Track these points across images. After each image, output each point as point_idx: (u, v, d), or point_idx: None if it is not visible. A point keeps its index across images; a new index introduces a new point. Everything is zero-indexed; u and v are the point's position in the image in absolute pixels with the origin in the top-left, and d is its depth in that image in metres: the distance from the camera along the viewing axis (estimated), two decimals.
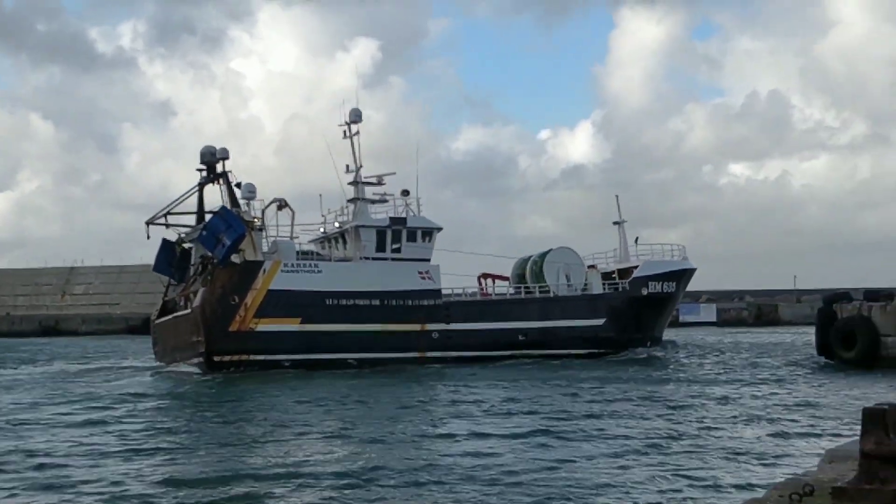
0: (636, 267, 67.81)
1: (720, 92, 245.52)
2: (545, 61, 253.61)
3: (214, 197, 62.16)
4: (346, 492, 19.40)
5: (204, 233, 56.49)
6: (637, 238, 72.24)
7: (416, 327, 59.11)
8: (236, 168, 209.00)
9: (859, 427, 8.08)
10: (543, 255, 66.63)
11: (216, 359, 54.40)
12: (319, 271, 57.91)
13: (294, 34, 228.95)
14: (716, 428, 28.06)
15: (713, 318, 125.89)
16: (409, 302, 59.38)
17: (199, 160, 61.31)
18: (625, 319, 64.46)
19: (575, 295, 65.03)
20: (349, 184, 63.13)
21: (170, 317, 59.25)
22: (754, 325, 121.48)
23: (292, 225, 60.19)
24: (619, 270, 68.40)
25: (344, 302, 57.78)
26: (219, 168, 60.58)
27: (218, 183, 60.46)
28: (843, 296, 56.94)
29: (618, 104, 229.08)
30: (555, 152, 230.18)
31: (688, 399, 36.74)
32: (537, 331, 62.12)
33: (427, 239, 62.19)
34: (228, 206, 58.14)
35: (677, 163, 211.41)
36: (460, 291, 63.99)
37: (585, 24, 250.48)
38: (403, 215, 62.13)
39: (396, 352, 57.58)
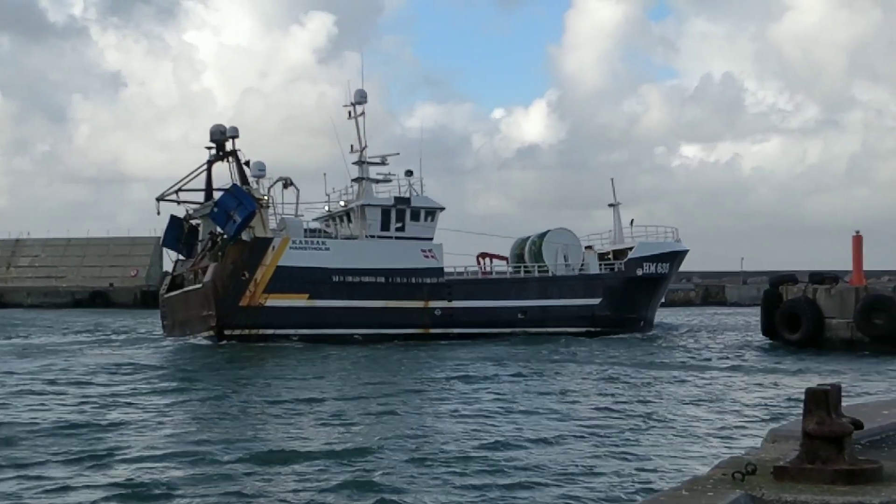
0: (631, 248, 69.72)
1: (675, 74, 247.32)
2: (502, 40, 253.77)
3: (219, 171, 63.66)
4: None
5: (215, 209, 58.05)
6: (632, 220, 74.09)
7: (420, 304, 61.21)
8: (189, 142, 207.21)
9: (802, 407, 8.11)
10: (542, 236, 68.35)
11: (227, 332, 56.32)
12: (327, 249, 59.94)
13: (248, 7, 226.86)
14: (660, 408, 28.33)
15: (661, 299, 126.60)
16: (413, 280, 61.35)
17: (209, 137, 62.96)
18: (620, 299, 66.28)
19: (572, 275, 66.91)
20: (353, 163, 65.03)
21: (179, 291, 60.49)
22: (701, 306, 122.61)
23: (297, 203, 62.07)
24: (614, 251, 70.52)
25: (350, 279, 59.76)
26: (228, 146, 62.12)
27: (227, 160, 62.07)
28: (789, 278, 57.68)
29: (573, 84, 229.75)
30: (509, 132, 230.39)
31: (634, 379, 37.06)
32: (536, 309, 64.02)
33: (430, 218, 64.04)
34: (238, 184, 59.80)
35: (631, 144, 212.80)
36: (462, 270, 66.30)
37: (543, 3, 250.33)
38: (407, 195, 63.76)
39: (400, 328, 59.58)
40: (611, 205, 73.70)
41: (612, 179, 75.14)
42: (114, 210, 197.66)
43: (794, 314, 51.56)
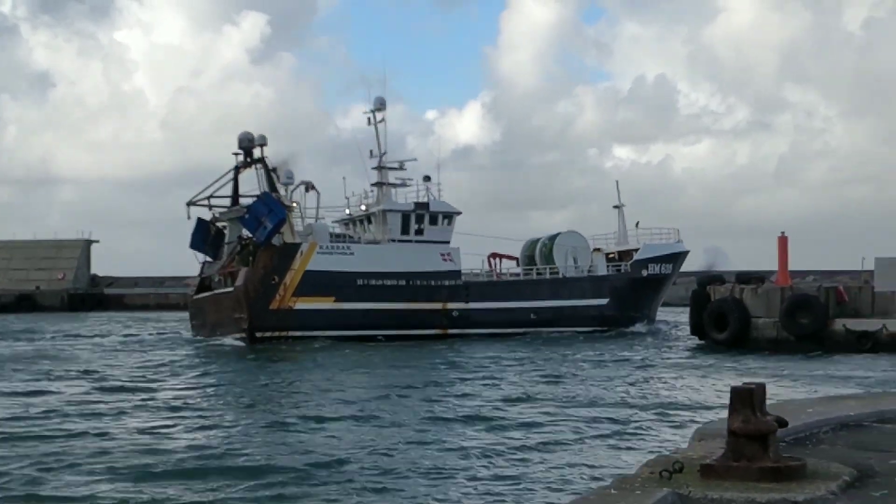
0: (636, 250, 72.79)
1: (609, 76, 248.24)
2: (438, 41, 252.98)
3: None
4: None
5: (246, 216, 60.62)
6: (637, 223, 76.72)
7: (438, 306, 64.20)
8: (120, 142, 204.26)
9: (728, 406, 8.22)
10: (553, 238, 71.53)
11: (258, 335, 58.51)
12: (352, 253, 62.76)
13: (180, 6, 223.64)
14: (587, 407, 28.53)
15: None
16: (432, 282, 64.39)
17: (237, 144, 64.83)
18: (626, 299, 69.14)
19: (581, 276, 70.09)
20: (373, 168, 67.85)
21: (209, 293, 63.05)
22: None
23: (318, 207, 65.00)
24: (619, 252, 73.57)
25: (373, 282, 62.52)
26: (256, 153, 64.23)
27: (255, 167, 64.20)
28: (717, 278, 58.40)
29: (508, 86, 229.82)
30: (443, 133, 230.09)
31: (561, 378, 37.27)
32: (547, 310, 66.98)
33: (447, 222, 66.82)
34: (267, 190, 61.87)
35: (565, 145, 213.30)
36: (478, 271, 69.66)
37: (479, 4, 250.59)
38: (426, 200, 66.64)
39: (420, 328, 62.25)
40: (615, 206, 76.23)
41: (616, 182, 77.51)
42: (42, 212, 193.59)
43: (722, 314, 52.20)
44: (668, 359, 47.45)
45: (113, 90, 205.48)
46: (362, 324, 60.82)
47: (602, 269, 71.02)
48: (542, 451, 21.63)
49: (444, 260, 65.06)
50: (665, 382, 36.17)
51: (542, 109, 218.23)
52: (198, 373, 41.67)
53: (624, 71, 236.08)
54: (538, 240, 72.87)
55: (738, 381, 8.76)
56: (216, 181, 65.35)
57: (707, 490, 7.68)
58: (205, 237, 65.16)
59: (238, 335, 58.90)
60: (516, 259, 73.32)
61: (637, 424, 25.29)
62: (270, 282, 59.69)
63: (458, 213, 67.51)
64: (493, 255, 72.37)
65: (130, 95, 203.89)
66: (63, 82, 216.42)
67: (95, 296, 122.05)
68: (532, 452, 21.45)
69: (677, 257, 74.10)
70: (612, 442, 22.79)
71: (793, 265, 62.89)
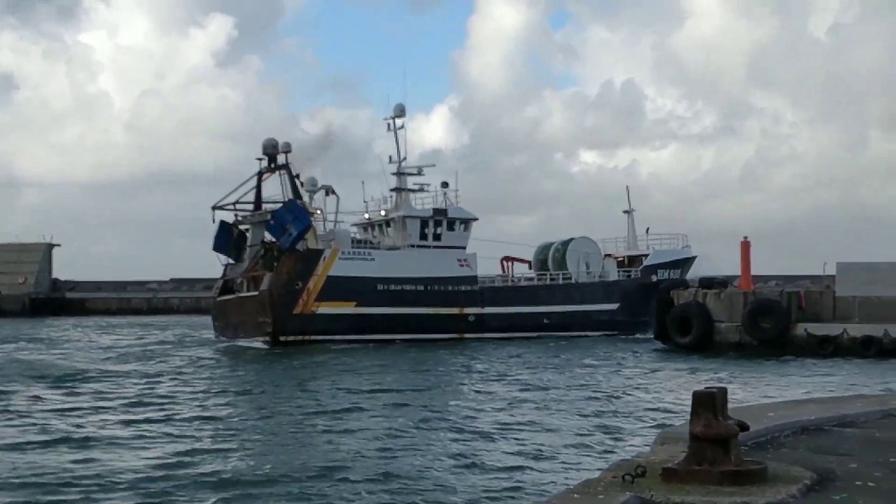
0: (646, 255, 74.92)
1: (577, 80, 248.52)
2: (406, 45, 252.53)
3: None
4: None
5: (272, 222, 62.45)
6: (648, 229, 78.87)
7: (455, 311, 65.82)
8: (84, 145, 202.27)
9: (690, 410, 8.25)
10: (566, 244, 73.03)
11: (282, 338, 60.06)
12: (372, 259, 64.39)
13: (145, 8, 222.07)
14: (552, 412, 28.60)
15: None
16: (450, 287, 65.99)
17: (260, 151, 66.65)
18: (636, 304, 69.51)
19: (593, 282, 71.72)
20: (392, 174, 69.77)
21: (234, 296, 64.37)
22: None
23: (337, 210, 66.65)
24: (629, 257, 75.33)
25: (393, 287, 64.15)
26: (280, 160, 66.07)
27: (279, 173, 65.97)
28: (680, 283, 58.64)
29: (476, 89, 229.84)
30: (411, 136, 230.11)
31: (528, 382, 37.33)
32: (560, 314, 68.62)
33: (464, 228, 69.02)
34: (291, 196, 63.87)
35: (533, 149, 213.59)
36: (493, 275, 71.61)
37: (447, 8, 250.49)
38: (444, 206, 68.58)
39: (438, 332, 63.65)
40: (625, 211, 77.89)
41: (627, 187, 79.26)
42: (5, 216, 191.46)
43: (685, 318, 52.54)
44: (632, 363, 47.63)
45: (78, 92, 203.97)
46: (382, 328, 62.33)
47: (613, 275, 72.64)
48: (504, 456, 21.63)
49: (462, 265, 66.88)
50: (628, 387, 36.31)
51: (509, 113, 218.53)
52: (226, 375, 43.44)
53: (592, 75, 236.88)
54: (551, 244, 74.67)
55: (700, 386, 8.81)
56: (240, 186, 66.78)
57: (669, 493, 7.72)
58: (227, 240, 66.16)
59: (262, 338, 60.43)
60: (528, 262, 75.34)
61: (601, 429, 25.38)
62: (294, 287, 61.28)
63: (475, 220, 69.69)
64: (506, 259, 74.66)
65: (95, 97, 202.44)
66: (27, 84, 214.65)
67: (57, 300, 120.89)
68: (493, 458, 21.46)
69: (685, 263, 76.28)
70: (575, 446, 22.83)
71: (756, 270, 63.44)
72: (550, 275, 71.58)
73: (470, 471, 20.00)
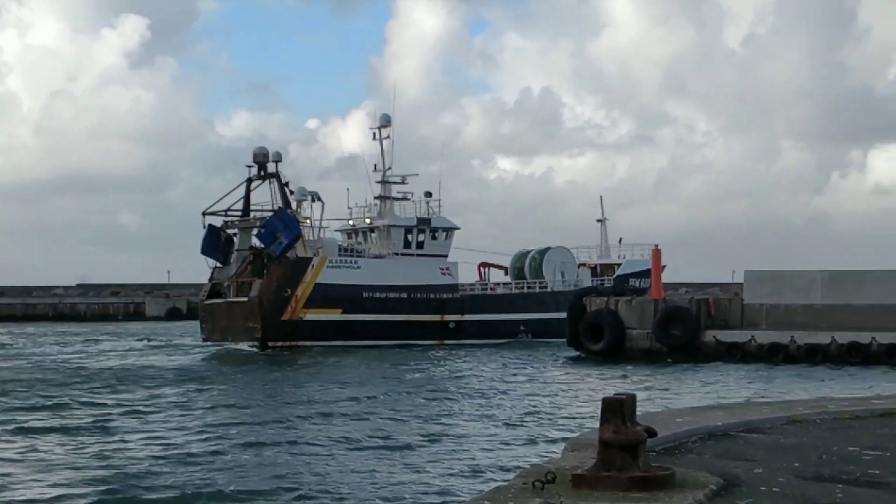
0: (618, 264, 78.13)
1: (495, 87, 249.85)
2: (324, 50, 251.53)
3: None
4: None
5: (262, 230, 64.59)
6: (620, 239, 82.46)
7: (437, 318, 68.58)
8: None
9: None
10: (542, 253, 75.82)
11: (270, 344, 62.31)
12: (358, 267, 66.98)
13: (57, 7, 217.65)
14: (462, 419, 28.59)
15: None
16: (432, 295, 68.85)
17: (251, 158, 68.72)
18: None
19: (569, 290, 72.97)
20: (377, 182, 72.40)
21: (222, 300, 66.07)
22: None
23: (321, 217, 68.61)
24: (601, 265, 78.63)
25: (378, 295, 66.77)
26: (270, 168, 67.95)
27: (269, 181, 67.84)
28: (593, 290, 59.25)
29: (394, 96, 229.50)
30: (326, 141, 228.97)
31: (438, 391, 37.32)
32: (536, 322, 71.15)
33: (446, 237, 72.05)
34: (281, 205, 65.84)
35: (451, 156, 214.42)
36: (472, 283, 74.95)
37: (367, 13, 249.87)
38: (427, 215, 71.50)
39: (420, 339, 66.04)
40: (598, 220, 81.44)
41: (601, 197, 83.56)
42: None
43: (597, 325, 53.05)
44: (544, 370, 47.94)
45: None
46: (366, 334, 64.53)
47: (587, 283, 74.65)
48: (416, 462, 21.59)
49: (443, 274, 69.86)
50: (539, 393, 36.54)
51: (427, 120, 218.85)
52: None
53: (510, 83, 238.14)
54: (528, 252, 77.10)
55: (610, 392, 8.87)
56: (228, 193, 69.04)
57: (578, 500, 7.74)
58: (216, 244, 67.68)
59: (250, 343, 62.83)
60: (505, 268, 77.99)
61: (511, 435, 25.48)
62: (283, 294, 63.41)
63: (457, 228, 72.64)
64: (484, 265, 77.45)
65: (3, 99, 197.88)
66: None
67: None
68: (404, 463, 21.40)
69: None
70: (485, 453, 22.87)
71: (668, 278, 64.49)
72: (527, 283, 74.24)
73: (379, 481, 19.86)
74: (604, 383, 39.31)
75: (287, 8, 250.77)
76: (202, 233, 67.54)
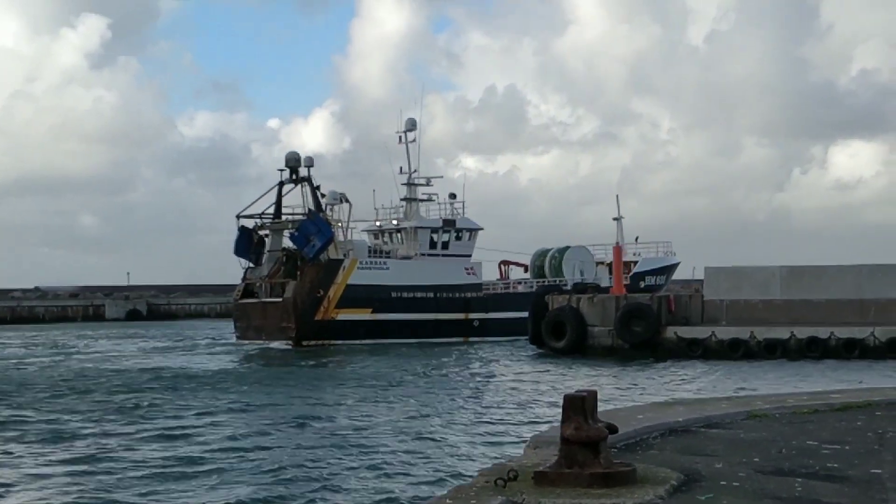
0: (634, 262, 79.73)
1: (459, 86, 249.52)
2: (287, 49, 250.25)
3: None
4: None
5: (295, 233, 67.14)
6: (637, 237, 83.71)
7: (462, 316, 71.19)
8: None
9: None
10: (563, 252, 77.76)
11: (304, 343, 64.99)
12: (387, 268, 69.68)
13: (15, 7, 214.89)
14: (426, 418, 28.57)
15: None
16: (457, 294, 71.59)
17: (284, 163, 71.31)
18: None
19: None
20: (403, 184, 75.44)
21: (256, 300, 68.77)
22: None
23: (348, 219, 70.34)
24: None
25: (406, 295, 69.53)
26: (302, 172, 70.43)
27: (301, 185, 70.55)
28: (555, 288, 59.45)
29: (358, 94, 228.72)
30: (289, 141, 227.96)
31: (396, 388, 37.31)
32: None
33: (470, 237, 74.85)
34: (312, 208, 68.66)
35: (415, 155, 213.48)
36: (494, 281, 77.45)
37: (331, 12, 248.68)
38: (452, 217, 74.41)
39: (446, 336, 68.22)
40: (615, 218, 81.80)
41: (616, 196, 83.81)
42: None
43: (560, 322, 53.22)
44: (507, 367, 48.03)
45: None
46: (395, 333, 66.66)
47: (605, 282, 74.82)
48: (379, 461, 21.55)
49: (468, 273, 72.75)
50: (502, 391, 36.58)
51: (392, 118, 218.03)
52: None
53: (474, 81, 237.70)
54: (548, 251, 78.97)
55: (572, 389, 8.90)
56: (261, 196, 71.65)
57: (540, 497, 7.77)
58: (248, 245, 70.08)
59: (284, 341, 65.41)
60: (525, 266, 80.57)
61: (474, 434, 25.48)
62: (316, 295, 66.14)
63: (481, 229, 75.38)
64: (504, 263, 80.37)
65: None
66: None
67: None
68: (369, 462, 21.36)
69: (670, 269, 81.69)
70: (448, 451, 22.86)
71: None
72: (547, 281, 75.48)
73: (340, 479, 19.78)
74: (565, 380, 39.42)
75: (250, 6, 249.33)
76: (241, 233, 69.88)
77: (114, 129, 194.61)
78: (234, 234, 70.13)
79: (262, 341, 66.21)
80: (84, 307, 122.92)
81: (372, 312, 67.63)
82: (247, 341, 67.39)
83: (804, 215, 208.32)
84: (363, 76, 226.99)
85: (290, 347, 64.25)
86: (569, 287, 72.40)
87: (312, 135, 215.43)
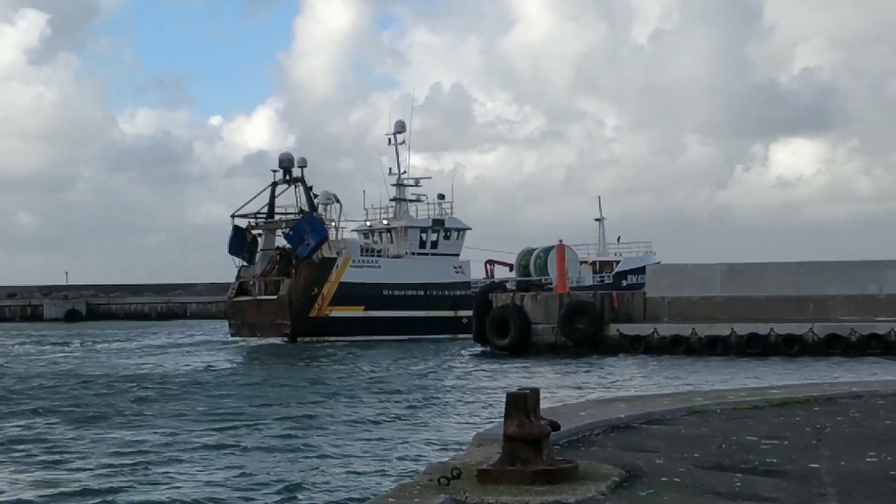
0: (616, 262, 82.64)
1: (404, 84, 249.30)
2: (234, 45, 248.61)
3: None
4: None
5: (290, 232, 68.99)
6: (619, 237, 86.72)
7: (450, 313, 72.59)
8: None
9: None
10: (547, 251, 77.56)
11: (298, 339, 67.43)
12: (379, 266, 71.86)
13: None
14: (367, 416, 28.47)
15: None
16: (446, 292, 73.57)
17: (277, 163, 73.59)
18: None
19: (571, 286, 74.17)
20: (392, 185, 77.62)
21: (251, 298, 70.36)
22: None
23: (339, 218, 72.84)
24: (600, 263, 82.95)
25: (397, 292, 71.58)
26: (295, 173, 72.48)
27: (294, 185, 72.39)
28: (499, 286, 59.72)
29: (302, 92, 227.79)
30: (232, 139, 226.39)
31: (343, 386, 37.19)
32: None
33: (458, 237, 77.06)
34: (306, 209, 70.40)
35: (360, 153, 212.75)
36: (480, 279, 79.23)
37: (275, 8, 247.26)
38: (441, 217, 76.60)
39: (435, 333, 70.07)
40: (596, 219, 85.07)
41: (598, 197, 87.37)
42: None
43: (503, 320, 53.40)
44: (452, 366, 48.08)
45: None
46: (386, 329, 68.79)
47: (588, 280, 78.10)
48: (322, 459, 21.49)
49: (457, 272, 74.85)
50: (445, 389, 36.64)
51: (337, 116, 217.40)
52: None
53: (420, 79, 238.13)
54: (533, 250, 79.98)
55: (514, 387, 8.93)
56: (254, 197, 74.07)
57: (484, 495, 7.78)
58: (241, 244, 71.97)
59: (279, 338, 68.02)
60: (510, 265, 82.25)
61: (416, 432, 25.46)
62: (310, 293, 68.15)
63: (469, 229, 77.67)
64: (490, 262, 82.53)
65: None
66: None
67: None
68: (311, 461, 21.29)
69: None
70: (390, 451, 22.80)
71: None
72: (531, 280, 76.52)
73: (281, 481, 19.60)
74: (508, 378, 39.53)
75: (193, 3, 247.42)
76: (235, 233, 71.53)
77: (53, 126, 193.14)
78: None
79: (256, 338, 68.35)
80: (21, 307, 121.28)
81: (364, 310, 69.54)
82: (241, 338, 69.37)
83: (746, 213, 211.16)
84: (307, 74, 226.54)
85: (284, 343, 66.22)
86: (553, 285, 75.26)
87: (256, 132, 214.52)
